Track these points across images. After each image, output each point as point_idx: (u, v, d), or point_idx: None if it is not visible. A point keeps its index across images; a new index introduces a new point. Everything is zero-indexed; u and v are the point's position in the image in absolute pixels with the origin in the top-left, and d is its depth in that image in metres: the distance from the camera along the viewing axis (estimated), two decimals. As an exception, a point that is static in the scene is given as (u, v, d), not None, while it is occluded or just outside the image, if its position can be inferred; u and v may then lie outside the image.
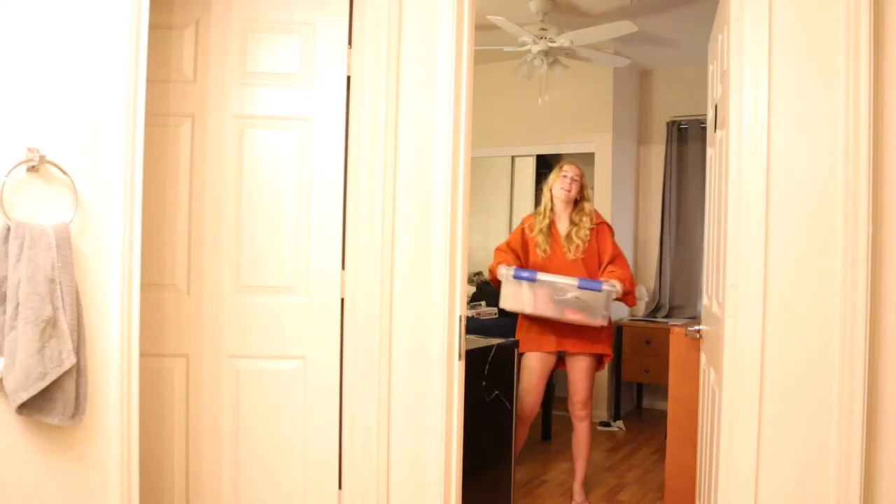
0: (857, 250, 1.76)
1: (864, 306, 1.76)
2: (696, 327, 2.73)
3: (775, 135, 1.87)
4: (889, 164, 1.79)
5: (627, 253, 4.66)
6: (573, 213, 3.62)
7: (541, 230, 3.58)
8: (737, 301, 1.93)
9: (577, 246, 3.52)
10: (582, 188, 3.63)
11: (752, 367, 1.88)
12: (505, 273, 3.39)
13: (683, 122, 5.77)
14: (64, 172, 1.69)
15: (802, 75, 1.85)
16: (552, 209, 3.63)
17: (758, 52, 1.88)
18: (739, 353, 1.92)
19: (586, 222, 3.58)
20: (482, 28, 4.23)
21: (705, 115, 2.81)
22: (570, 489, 3.80)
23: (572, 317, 3.36)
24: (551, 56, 4.66)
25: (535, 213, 3.69)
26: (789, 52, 1.86)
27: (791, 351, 1.85)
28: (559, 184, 3.59)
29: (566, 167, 3.62)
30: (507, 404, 3.29)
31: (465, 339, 2.36)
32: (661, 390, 5.59)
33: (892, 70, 1.78)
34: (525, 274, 3.35)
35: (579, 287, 3.28)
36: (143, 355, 1.90)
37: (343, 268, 2.39)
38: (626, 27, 4.26)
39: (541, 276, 3.34)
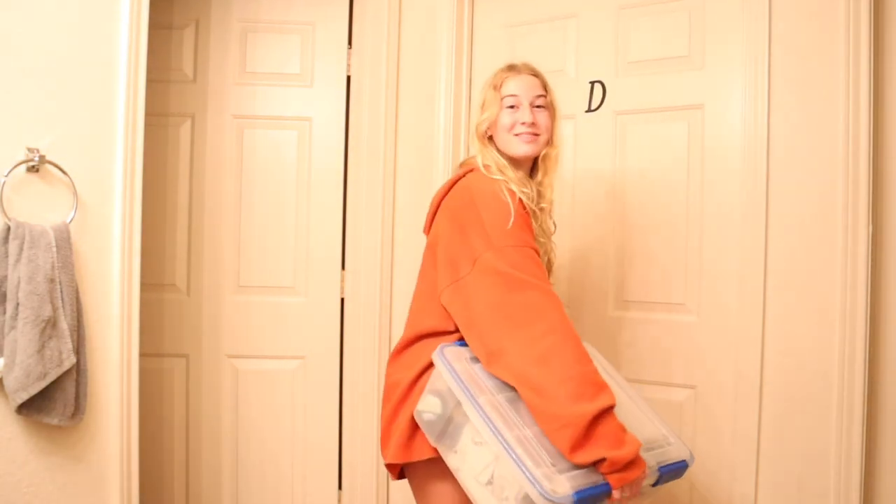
0: (857, 249, 1.76)
1: (863, 305, 1.75)
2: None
3: (775, 135, 1.87)
4: (889, 163, 1.79)
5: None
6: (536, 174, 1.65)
7: (533, 210, 1.57)
8: (737, 301, 1.92)
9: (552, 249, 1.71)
10: (553, 120, 1.63)
11: (753, 366, 1.88)
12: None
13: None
14: (64, 172, 1.69)
15: (802, 75, 1.84)
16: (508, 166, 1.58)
17: (758, 52, 1.88)
18: (740, 354, 1.91)
19: (549, 193, 1.65)
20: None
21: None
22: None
23: None
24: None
25: (486, 167, 1.57)
26: (789, 52, 1.86)
27: (791, 351, 1.85)
28: (505, 117, 1.59)
29: (513, 81, 1.61)
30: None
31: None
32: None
33: (892, 69, 1.78)
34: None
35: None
36: (143, 355, 1.90)
37: (343, 268, 2.39)
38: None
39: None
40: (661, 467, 1.47)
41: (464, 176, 1.59)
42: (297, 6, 2.38)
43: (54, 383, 1.60)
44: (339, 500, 2.39)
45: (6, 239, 1.58)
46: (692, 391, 2.01)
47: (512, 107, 1.59)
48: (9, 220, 1.59)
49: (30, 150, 1.64)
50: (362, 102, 2.35)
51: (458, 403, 1.38)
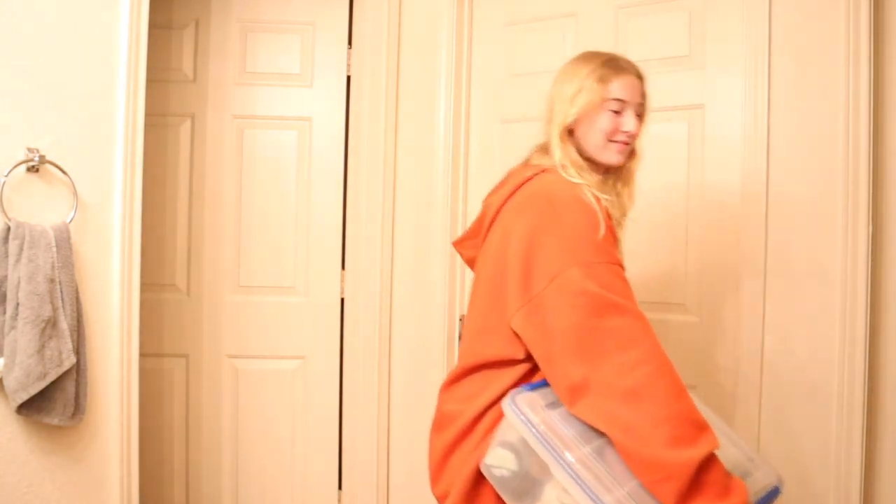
0: (857, 249, 1.76)
1: (863, 305, 1.75)
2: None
3: (775, 135, 1.87)
4: (889, 163, 1.79)
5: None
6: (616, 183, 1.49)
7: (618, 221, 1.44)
8: (736, 301, 1.92)
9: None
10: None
11: (753, 366, 1.88)
12: None
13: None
14: (64, 172, 1.69)
15: (802, 75, 1.84)
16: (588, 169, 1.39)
17: (758, 52, 1.88)
18: (740, 354, 1.91)
19: (629, 205, 1.50)
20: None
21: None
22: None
23: None
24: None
25: (563, 167, 1.37)
26: (789, 52, 1.85)
27: (791, 351, 1.85)
28: (606, 120, 1.39)
29: (621, 81, 1.40)
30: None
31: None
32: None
33: (892, 69, 1.78)
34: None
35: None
36: (143, 355, 1.90)
37: (343, 268, 2.39)
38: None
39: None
40: (758, 501, 1.31)
41: (532, 178, 1.36)
42: (296, 6, 2.38)
43: (54, 383, 1.60)
44: (339, 500, 2.39)
45: (6, 239, 1.58)
46: (692, 391, 2.00)
47: (616, 111, 1.39)
48: (9, 220, 1.59)
49: (30, 150, 1.64)
50: (362, 102, 2.35)
51: (535, 456, 1.20)
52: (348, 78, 2.38)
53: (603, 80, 1.38)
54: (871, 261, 1.77)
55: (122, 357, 1.81)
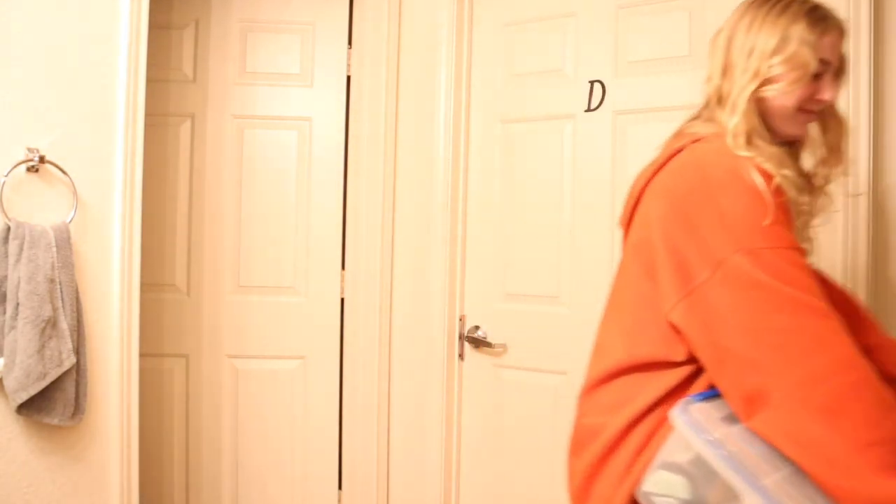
0: (857, 250, 1.76)
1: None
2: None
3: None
4: (889, 163, 1.79)
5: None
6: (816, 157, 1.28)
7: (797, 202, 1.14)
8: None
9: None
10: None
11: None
12: None
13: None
14: (64, 172, 1.69)
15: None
16: (764, 136, 1.14)
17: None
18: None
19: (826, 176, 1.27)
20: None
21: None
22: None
23: None
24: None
25: (736, 134, 1.12)
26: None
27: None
28: (805, 84, 1.14)
29: (831, 33, 1.15)
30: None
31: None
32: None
33: (892, 69, 1.78)
34: None
35: None
36: (143, 355, 1.90)
37: (343, 268, 2.39)
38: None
39: None
40: None
41: (681, 149, 1.15)
42: (296, 6, 2.38)
43: (54, 383, 1.60)
44: (339, 500, 2.39)
45: (6, 239, 1.58)
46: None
47: (817, 74, 1.14)
48: (9, 220, 1.59)
49: (30, 150, 1.64)
50: (362, 102, 2.35)
51: (716, 481, 0.98)
52: (348, 78, 2.38)
53: (819, 33, 1.13)
54: (872, 261, 1.77)
55: (122, 357, 1.81)
